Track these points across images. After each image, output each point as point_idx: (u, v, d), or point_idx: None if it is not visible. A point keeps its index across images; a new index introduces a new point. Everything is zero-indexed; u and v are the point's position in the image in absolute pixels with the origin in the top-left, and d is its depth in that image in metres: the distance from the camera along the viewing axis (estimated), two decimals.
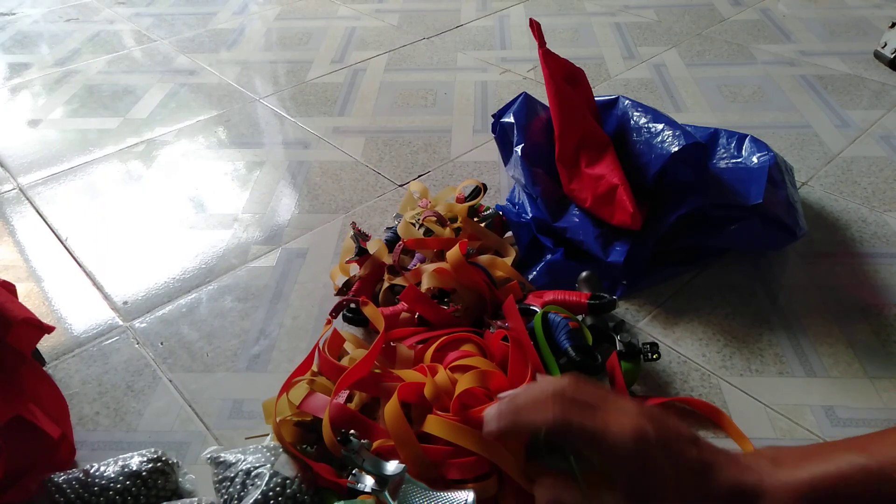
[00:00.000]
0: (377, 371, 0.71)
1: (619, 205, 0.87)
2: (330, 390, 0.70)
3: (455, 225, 0.93)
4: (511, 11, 1.82)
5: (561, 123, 0.94)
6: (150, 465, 0.65)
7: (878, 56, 1.48)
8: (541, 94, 1.04)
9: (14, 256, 1.03)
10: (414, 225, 0.93)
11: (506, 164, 1.02)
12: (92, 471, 0.65)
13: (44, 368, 0.77)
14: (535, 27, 0.94)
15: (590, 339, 0.77)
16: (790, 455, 0.40)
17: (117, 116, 1.40)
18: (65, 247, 1.04)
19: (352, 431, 0.60)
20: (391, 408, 0.63)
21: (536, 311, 0.78)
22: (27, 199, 1.16)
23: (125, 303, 0.94)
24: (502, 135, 1.01)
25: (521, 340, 0.70)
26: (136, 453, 0.67)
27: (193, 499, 0.65)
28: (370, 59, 1.59)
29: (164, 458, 0.67)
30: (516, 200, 1.01)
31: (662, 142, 0.90)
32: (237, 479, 0.62)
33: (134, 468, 0.65)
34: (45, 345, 0.86)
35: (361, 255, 0.88)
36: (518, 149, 0.95)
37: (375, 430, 0.66)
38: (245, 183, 1.17)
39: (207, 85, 1.51)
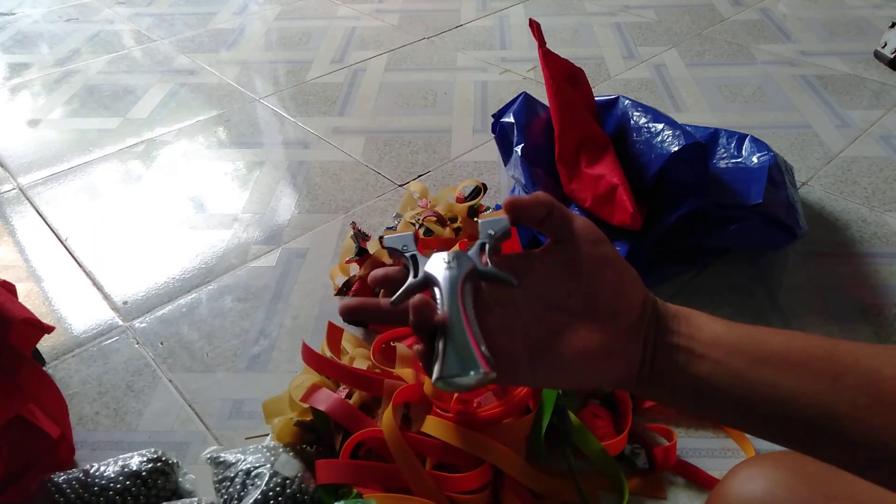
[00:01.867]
0: (377, 370, 0.71)
1: (619, 205, 0.87)
2: (329, 386, 0.70)
3: (455, 225, 0.93)
4: (511, 11, 1.82)
5: (561, 123, 0.94)
6: (150, 465, 0.65)
7: (878, 56, 1.48)
8: (541, 94, 1.04)
9: (14, 256, 1.03)
10: (414, 225, 0.93)
11: (506, 164, 1.02)
12: (92, 471, 0.65)
13: (44, 368, 0.77)
14: (535, 27, 0.94)
15: None
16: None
17: (117, 116, 1.40)
18: (65, 247, 1.04)
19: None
20: (387, 423, 0.63)
21: None
22: (27, 199, 1.16)
23: (125, 303, 0.94)
24: (502, 135, 1.01)
25: None
26: (136, 453, 0.67)
27: (193, 499, 0.65)
28: (370, 59, 1.59)
29: (164, 458, 0.67)
30: None
31: (662, 142, 0.90)
32: (237, 479, 0.62)
33: (134, 468, 0.65)
34: (45, 345, 0.86)
35: (361, 255, 0.88)
36: (518, 149, 0.95)
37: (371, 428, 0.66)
38: (245, 183, 1.17)
39: (207, 85, 1.51)
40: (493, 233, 0.42)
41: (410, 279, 0.42)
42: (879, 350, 0.35)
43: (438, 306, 0.39)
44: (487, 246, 0.42)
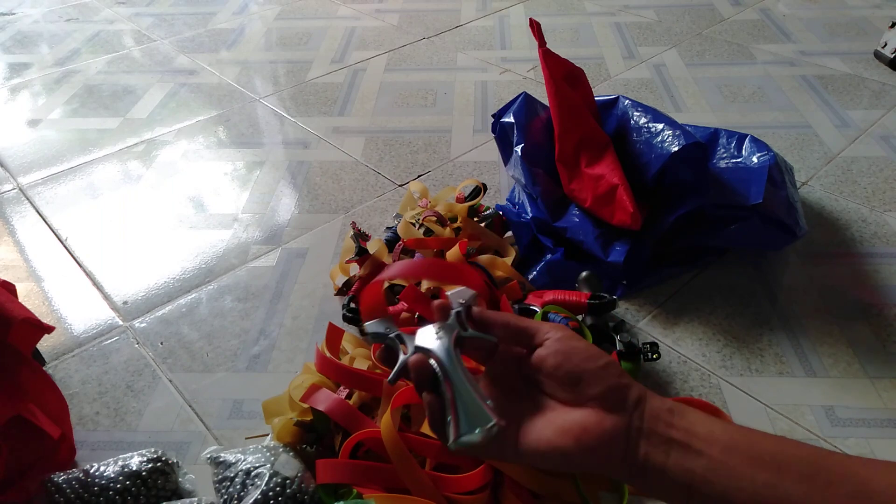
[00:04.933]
0: (378, 370, 0.71)
1: (619, 205, 0.87)
2: (330, 386, 0.70)
3: (455, 225, 0.93)
4: (511, 11, 1.82)
5: (561, 123, 0.94)
6: (150, 465, 0.65)
7: (878, 56, 1.48)
8: (541, 94, 1.04)
9: (14, 256, 1.03)
10: (414, 225, 0.93)
11: (506, 164, 1.02)
12: (92, 471, 0.65)
13: (44, 368, 0.77)
14: (535, 27, 0.94)
15: (590, 339, 0.77)
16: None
17: (117, 116, 1.40)
18: (65, 247, 1.04)
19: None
20: (386, 426, 0.63)
21: (536, 311, 0.78)
22: (27, 199, 1.16)
23: (125, 303, 0.94)
24: (502, 135, 1.01)
25: None
26: (136, 453, 0.67)
27: (193, 499, 0.65)
28: (370, 59, 1.59)
29: (164, 458, 0.67)
30: (516, 200, 1.01)
31: (662, 142, 0.90)
32: (237, 479, 0.63)
33: (134, 468, 0.65)
34: (45, 345, 0.86)
35: (361, 255, 0.88)
36: (518, 149, 0.95)
37: (370, 429, 0.66)
38: (245, 183, 1.17)
39: (207, 85, 1.51)
40: (462, 301, 0.47)
41: (402, 357, 0.45)
42: (867, 462, 0.36)
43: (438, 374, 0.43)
44: (463, 314, 0.46)
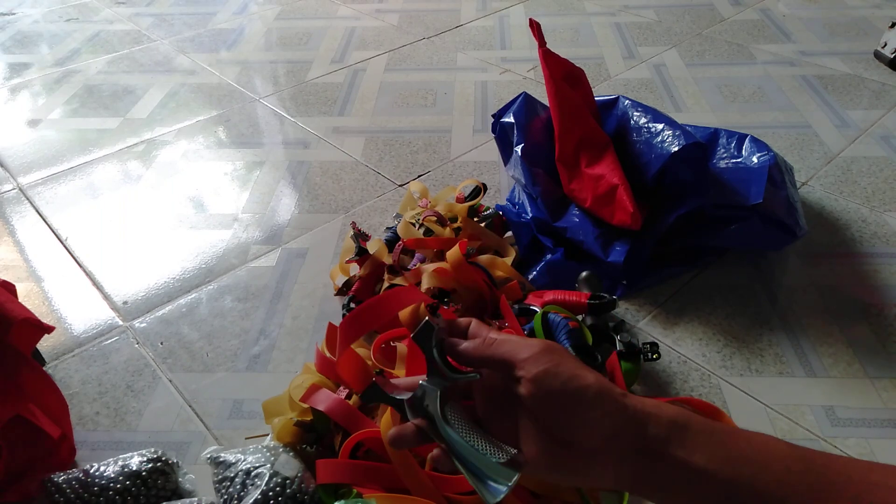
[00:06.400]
0: (378, 371, 0.71)
1: (619, 205, 0.87)
2: (330, 386, 0.70)
3: (455, 225, 0.93)
4: (511, 11, 1.82)
5: (561, 123, 0.94)
6: (150, 465, 0.66)
7: (878, 56, 1.48)
8: (541, 94, 1.04)
9: (14, 256, 1.03)
10: (414, 225, 0.93)
11: (506, 164, 1.02)
12: (92, 471, 0.65)
13: (44, 368, 0.77)
14: (535, 27, 0.94)
15: (590, 339, 0.77)
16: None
17: (117, 116, 1.40)
18: (65, 247, 1.04)
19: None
20: (386, 426, 0.63)
21: (536, 311, 0.78)
22: (27, 199, 1.16)
23: (125, 303, 0.94)
24: (502, 135, 1.01)
25: None
26: (136, 453, 0.67)
27: (193, 499, 0.65)
28: (370, 59, 1.59)
29: (164, 458, 0.67)
30: (516, 200, 1.01)
31: (662, 142, 0.90)
32: (237, 479, 0.63)
33: (134, 468, 0.65)
34: (45, 345, 0.86)
35: (361, 255, 0.88)
36: (518, 149, 0.95)
37: (370, 428, 0.66)
38: (245, 183, 1.17)
39: (207, 85, 1.51)
40: (429, 343, 0.43)
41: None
42: (870, 484, 0.34)
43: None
44: (436, 358, 0.43)
